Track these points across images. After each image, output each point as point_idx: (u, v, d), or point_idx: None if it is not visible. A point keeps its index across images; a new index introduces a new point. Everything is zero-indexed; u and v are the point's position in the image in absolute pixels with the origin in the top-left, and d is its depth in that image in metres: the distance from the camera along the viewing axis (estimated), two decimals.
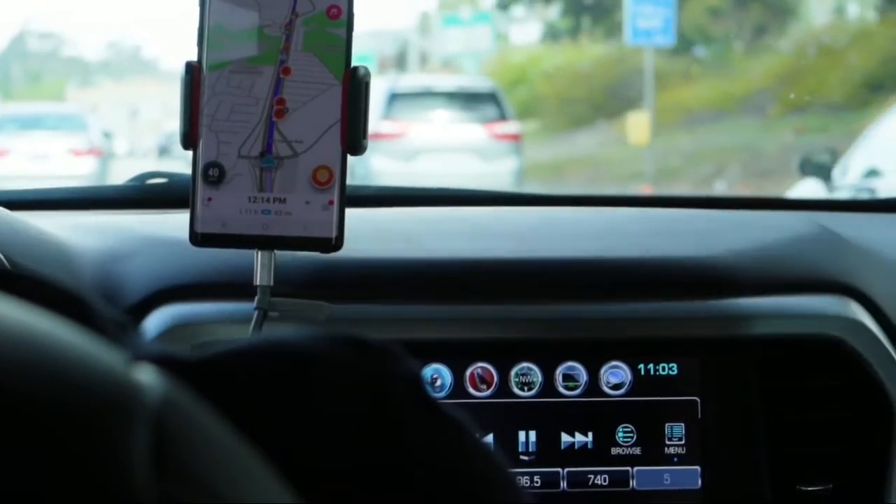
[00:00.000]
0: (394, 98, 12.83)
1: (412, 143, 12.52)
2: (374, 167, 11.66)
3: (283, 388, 0.51)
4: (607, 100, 17.86)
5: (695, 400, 1.26)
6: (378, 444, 0.51)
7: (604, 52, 20.06)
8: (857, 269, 1.33)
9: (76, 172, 13.78)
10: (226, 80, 1.08)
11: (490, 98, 13.36)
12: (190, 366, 0.50)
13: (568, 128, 18.48)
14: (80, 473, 0.39)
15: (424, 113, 12.96)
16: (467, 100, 13.36)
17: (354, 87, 1.09)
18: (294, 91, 1.08)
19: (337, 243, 1.10)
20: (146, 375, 0.43)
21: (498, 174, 12.35)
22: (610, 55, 19.31)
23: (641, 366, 1.26)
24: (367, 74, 1.09)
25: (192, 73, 1.08)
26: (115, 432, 0.40)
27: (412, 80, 15.18)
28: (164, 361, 0.48)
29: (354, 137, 1.09)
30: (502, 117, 13.12)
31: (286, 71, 1.08)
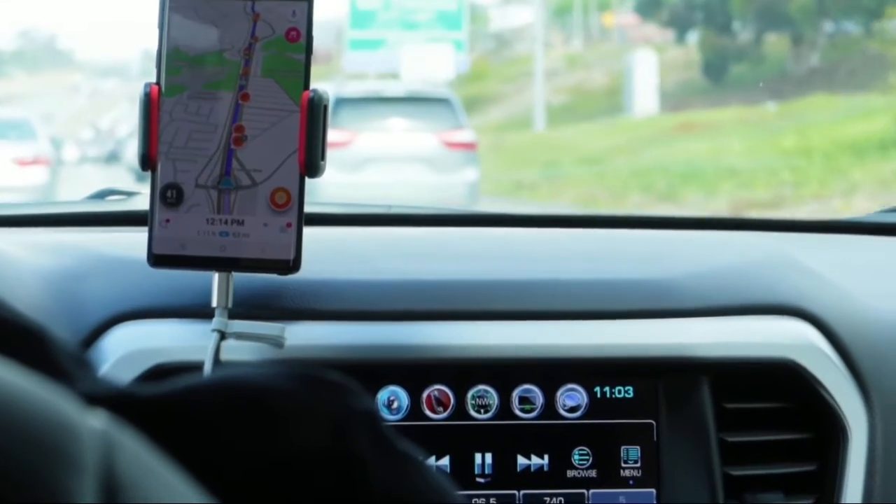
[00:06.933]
0: (340, 104, 12.30)
1: (360, 152, 12.09)
2: (318, 178, 11.17)
3: (240, 426, 0.51)
4: None
5: (650, 423, 1.26)
6: (337, 482, 0.52)
7: None
8: (811, 292, 1.34)
9: (21, 184, 13.26)
10: (183, 106, 1.08)
11: (444, 104, 12.99)
12: (145, 405, 0.49)
13: None
14: None
15: (373, 120, 12.54)
16: (419, 106, 12.95)
17: (313, 111, 1.09)
18: (253, 118, 1.08)
19: (295, 265, 1.10)
20: (97, 420, 0.42)
21: (452, 185, 12.07)
22: None
23: (597, 388, 1.26)
24: (325, 97, 1.09)
25: (151, 96, 1.08)
26: (62, 482, 0.40)
27: (360, 84, 14.72)
28: (118, 400, 0.48)
29: (312, 161, 1.09)
30: (457, 125, 12.85)
31: (245, 97, 1.08)
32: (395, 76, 20.23)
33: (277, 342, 1.14)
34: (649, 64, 21.23)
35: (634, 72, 21.68)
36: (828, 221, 1.76)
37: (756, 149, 17.44)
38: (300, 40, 1.08)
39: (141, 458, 0.43)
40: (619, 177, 16.91)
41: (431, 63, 17.98)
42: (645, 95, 21.63)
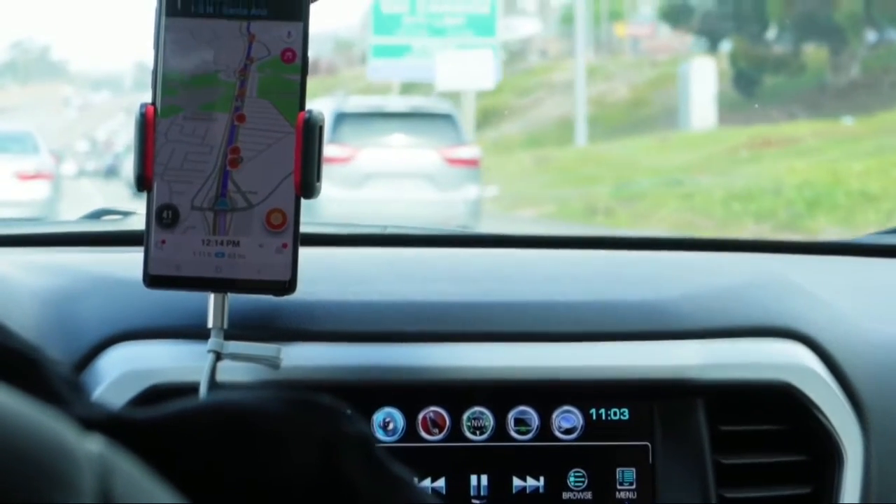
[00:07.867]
0: (341, 119, 12.21)
1: (361, 168, 12.02)
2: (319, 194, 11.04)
3: (232, 450, 0.51)
4: None
5: (646, 445, 1.26)
6: None
7: None
8: (807, 314, 1.34)
9: (23, 199, 13.18)
10: (179, 128, 1.08)
11: (446, 120, 12.87)
12: (139, 429, 0.50)
13: None
14: None
15: (374, 136, 12.44)
16: (421, 122, 12.85)
17: (308, 132, 1.09)
18: (249, 139, 1.08)
19: (291, 286, 1.10)
20: (93, 444, 0.43)
21: (453, 202, 12.01)
22: None
23: (593, 410, 1.26)
24: (320, 118, 1.09)
25: (146, 116, 1.08)
26: None
27: (361, 99, 14.59)
28: (112, 425, 0.48)
29: (308, 182, 1.09)
30: (459, 141, 12.74)
31: (241, 118, 1.08)
32: (423, 88, 19.26)
33: (273, 363, 1.14)
34: (707, 73, 19.25)
35: (690, 82, 19.72)
36: (823, 243, 1.76)
37: (876, 169, 14.87)
38: (296, 61, 1.08)
39: (137, 482, 0.43)
40: (709, 199, 15.05)
41: (470, 71, 16.75)
42: (703, 107, 19.68)
